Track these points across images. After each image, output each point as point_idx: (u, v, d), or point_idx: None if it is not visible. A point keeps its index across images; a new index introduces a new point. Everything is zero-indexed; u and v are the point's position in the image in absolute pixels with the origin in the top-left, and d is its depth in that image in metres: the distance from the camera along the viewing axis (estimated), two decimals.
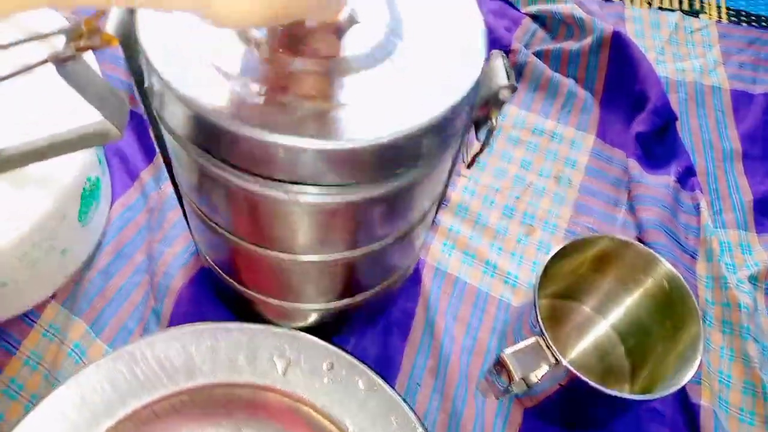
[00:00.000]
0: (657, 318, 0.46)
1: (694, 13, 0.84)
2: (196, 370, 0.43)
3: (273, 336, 0.44)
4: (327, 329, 0.46)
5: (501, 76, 0.30)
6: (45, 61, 0.28)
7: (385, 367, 0.49)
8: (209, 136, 0.27)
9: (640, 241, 0.57)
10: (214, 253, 0.43)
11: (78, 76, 0.29)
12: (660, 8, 0.84)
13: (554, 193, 0.62)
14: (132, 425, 0.41)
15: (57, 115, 0.45)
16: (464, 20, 0.32)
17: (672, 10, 0.84)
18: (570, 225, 0.60)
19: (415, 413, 0.42)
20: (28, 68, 0.29)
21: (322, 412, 0.42)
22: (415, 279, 0.54)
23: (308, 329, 0.44)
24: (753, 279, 0.56)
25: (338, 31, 0.29)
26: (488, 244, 0.58)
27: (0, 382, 0.47)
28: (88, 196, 0.48)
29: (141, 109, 0.61)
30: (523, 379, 0.39)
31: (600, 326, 0.51)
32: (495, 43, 0.71)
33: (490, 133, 0.32)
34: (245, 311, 0.47)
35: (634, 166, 0.63)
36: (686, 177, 0.64)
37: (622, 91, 0.70)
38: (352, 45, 0.29)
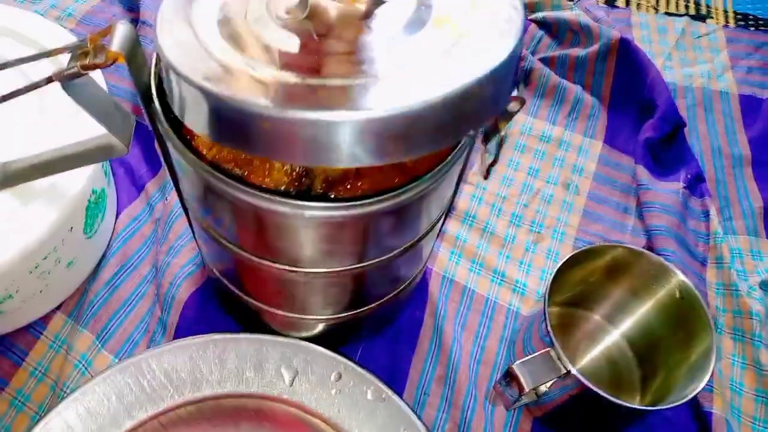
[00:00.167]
0: (668, 327, 0.46)
1: (701, 17, 0.84)
2: (203, 381, 0.43)
3: (280, 346, 0.43)
4: (334, 339, 0.46)
5: None
6: (50, 79, 0.28)
7: (393, 377, 0.49)
8: (241, 128, 0.26)
9: (650, 248, 0.56)
10: (219, 264, 0.43)
11: (83, 92, 0.29)
12: (667, 13, 0.84)
13: (562, 201, 0.62)
14: None
15: (63, 130, 0.45)
16: None
17: (679, 15, 0.83)
18: (579, 233, 0.60)
19: (424, 423, 0.41)
20: (33, 86, 0.29)
21: (330, 422, 0.42)
22: (422, 288, 0.54)
23: (315, 339, 0.44)
24: (764, 285, 0.55)
25: (365, 13, 0.29)
26: (496, 253, 0.57)
27: (7, 393, 0.47)
28: (93, 207, 0.48)
29: (147, 120, 0.61)
30: (533, 389, 0.39)
31: (610, 335, 0.51)
32: None
33: (500, 144, 0.32)
34: (252, 322, 0.47)
35: (643, 173, 0.63)
36: (695, 183, 0.63)
37: (630, 97, 0.69)
38: (380, 23, 0.28)
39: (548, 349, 0.40)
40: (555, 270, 0.43)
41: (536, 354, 0.40)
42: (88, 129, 0.44)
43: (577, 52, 0.72)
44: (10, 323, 0.48)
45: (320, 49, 0.27)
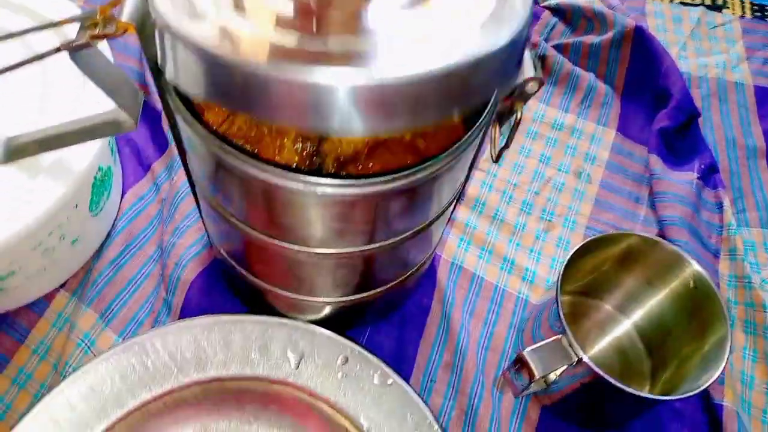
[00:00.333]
0: (681, 318, 0.45)
1: (716, 7, 0.82)
2: (208, 363, 0.42)
3: (286, 329, 0.43)
4: (341, 322, 0.45)
5: (528, 68, 0.28)
6: (58, 49, 0.27)
7: (400, 362, 0.49)
8: (244, 89, 0.25)
9: (662, 238, 0.55)
10: (227, 244, 0.42)
11: (92, 64, 0.28)
12: (682, 3, 0.83)
13: (574, 189, 0.61)
14: (141, 417, 0.40)
15: (70, 104, 0.44)
16: None
17: (694, 5, 0.82)
18: (590, 221, 0.59)
19: (430, 409, 0.41)
20: (40, 56, 0.29)
21: (335, 406, 0.41)
22: (430, 274, 0.53)
23: (322, 322, 0.43)
24: None
25: None
26: (506, 240, 0.57)
27: (8, 371, 0.46)
28: (99, 185, 0.47)
29: (153, 99, 0.61)
30: (543, 377, 0.38)
31: (621, 325, 0.50)
32: None
33: (515, 126, 0.31)
34: (258, 303, 0.46)
35: (656, 162, 0.62)
36: (709, 174, 0.62)
37: (644, 86, 0.68)
38: None
39: (560, 336, 0.39)
40: (567, 257, 0.42)
41: (547, 341, 0.39)
42: (92, 103, 0.44)
43: (591, 39, 0.71)
44: (13, 301, 0.48)
45: (321, 15, 0.26)
